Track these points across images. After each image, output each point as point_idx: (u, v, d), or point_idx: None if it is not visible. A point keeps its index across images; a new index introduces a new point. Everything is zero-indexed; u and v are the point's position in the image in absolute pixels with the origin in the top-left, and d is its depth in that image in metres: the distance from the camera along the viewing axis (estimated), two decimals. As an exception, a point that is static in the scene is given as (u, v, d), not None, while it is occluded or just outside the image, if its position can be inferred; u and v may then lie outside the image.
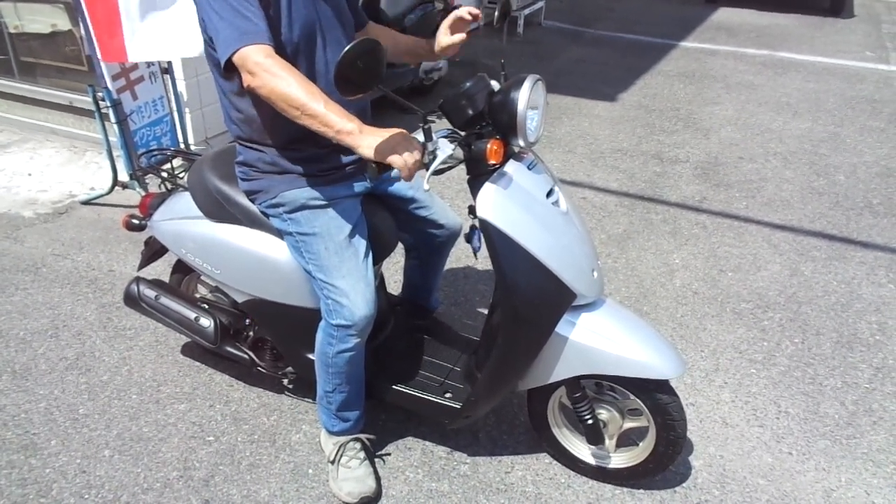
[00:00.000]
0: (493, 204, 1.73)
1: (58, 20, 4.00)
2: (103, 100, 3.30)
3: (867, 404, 2.45)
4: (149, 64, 3.45)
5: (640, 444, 2.03)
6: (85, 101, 3.74)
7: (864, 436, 2.32)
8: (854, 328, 2.85)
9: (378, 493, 2.05)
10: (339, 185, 1.91)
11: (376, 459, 2.16)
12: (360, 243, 1.89)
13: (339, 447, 2.05)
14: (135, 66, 3.37)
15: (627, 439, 2.11)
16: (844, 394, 2.50)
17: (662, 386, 1.88)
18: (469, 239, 1.82)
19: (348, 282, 1.82)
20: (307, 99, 1.56)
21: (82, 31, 3.23)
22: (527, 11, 6.96)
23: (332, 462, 2.06)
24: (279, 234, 1.97)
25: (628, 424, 2.02)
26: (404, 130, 1.62)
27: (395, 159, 1.55)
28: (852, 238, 3.51)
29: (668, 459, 1.97)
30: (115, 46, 3.11)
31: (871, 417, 2.40)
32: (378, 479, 2.08)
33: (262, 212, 1.97)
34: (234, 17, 1.60)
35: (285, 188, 1.87)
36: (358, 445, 2.07)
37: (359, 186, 1.95)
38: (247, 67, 1.59)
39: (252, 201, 1.97)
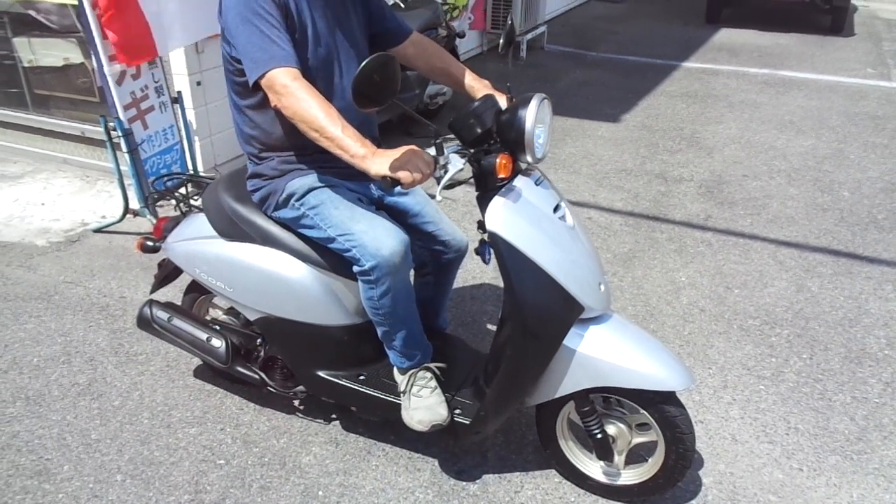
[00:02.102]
0: (503, 217, 1.77)
1: (70, 53, 4.10)
2: (115, 129, 3.36)
3: (877, 419, 2.44)
4: (159, 94, 3.53)
5: (650, 459, 2.03)
6: (97, 131, 3.81)
7: (875, 451, 2.31)
8: (862, 343, 2.84)
9: (449, 421, 2.03)
10: (349, 181, 2.01)
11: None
12: (372, 210, 1.98)
13: (410, 377, 2.07)
14: (146, 96, 3.45)
15: (636, 455, 2.11)
16: (854, 409, 2.49)
17: (670, 399, 1.89)
18: (479, 253, 1.87)
19: (363, 225, 1.89)
20: (327, 123, 1.69)
21: (94, 64, 3.31)
22: (529, 36, 7.06)
23: (404, 393, 2.08)
24: (291, 250, 2.03)
25: (637, 439, 2.03)
26: (415, 146, 1.67)
27: (403, 175, 1.64)
28: (858, 253, 3.52)
29: (678, 474, 1.96)
30: (143, 47, 3.21)
31: (881, 432, 2.38)
32: (450, 407, 2.06)
33: (275, 220, 2.04)
34: (263, 41, 1.74)
35: (293, 178, 1.97)
36: (428, 375, 2.08)
37: (368, 190, 2.06)
38: (275, 89, 1.73)
39: (265, 211, 2.05)
